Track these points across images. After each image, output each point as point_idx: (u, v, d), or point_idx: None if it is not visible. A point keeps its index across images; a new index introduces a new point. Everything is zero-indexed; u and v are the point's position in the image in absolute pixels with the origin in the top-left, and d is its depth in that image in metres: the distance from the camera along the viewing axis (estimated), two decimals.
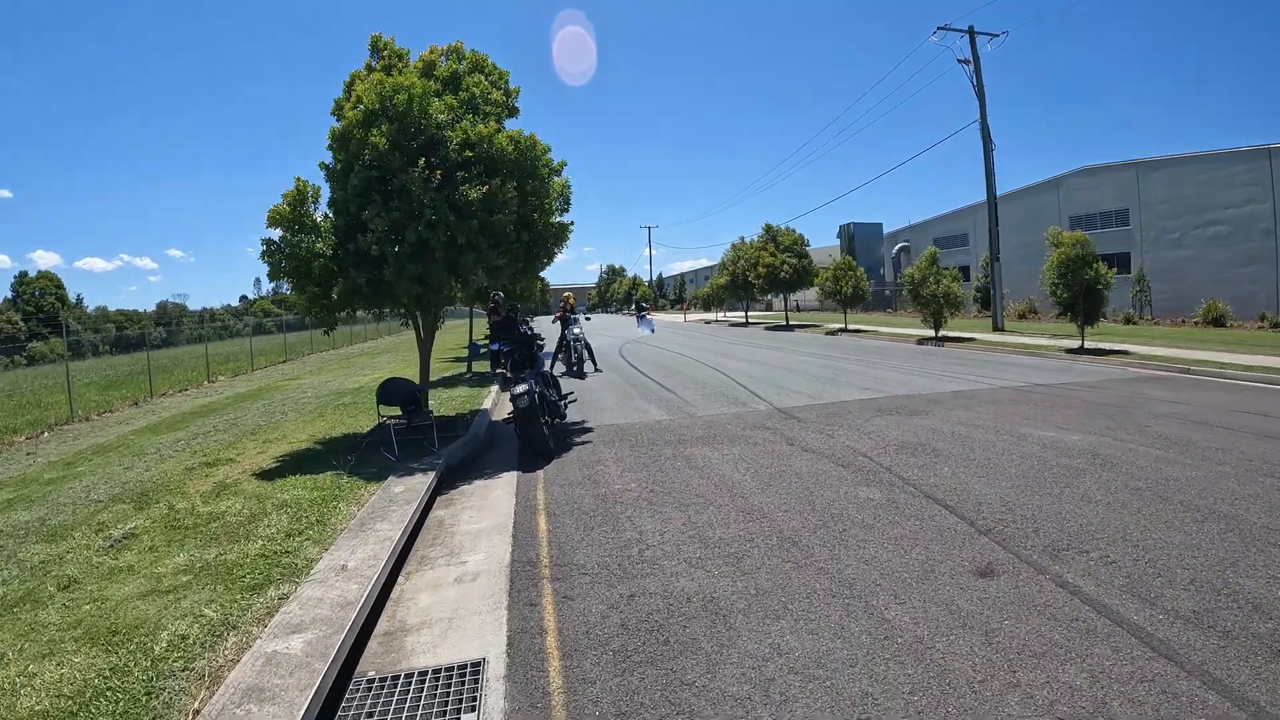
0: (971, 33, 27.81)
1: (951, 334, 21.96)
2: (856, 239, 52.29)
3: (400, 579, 4.62)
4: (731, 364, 15.97)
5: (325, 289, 8.02)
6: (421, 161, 7.30)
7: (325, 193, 8.21)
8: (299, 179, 8.01)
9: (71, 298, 62.24)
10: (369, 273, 7.55)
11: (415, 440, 8.05)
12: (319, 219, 8.05)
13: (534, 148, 7.85)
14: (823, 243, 50.18)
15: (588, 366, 15.65)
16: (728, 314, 50.70)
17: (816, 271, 32.17)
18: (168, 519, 6.09)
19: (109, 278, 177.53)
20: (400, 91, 7.43)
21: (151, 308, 77.83)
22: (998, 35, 28.31)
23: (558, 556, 4.54)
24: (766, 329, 32.68)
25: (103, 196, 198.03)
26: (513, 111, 8.80)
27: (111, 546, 5.57)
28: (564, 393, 8.86)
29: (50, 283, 57.01)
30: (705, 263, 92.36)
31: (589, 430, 8.76)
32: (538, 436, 7.07)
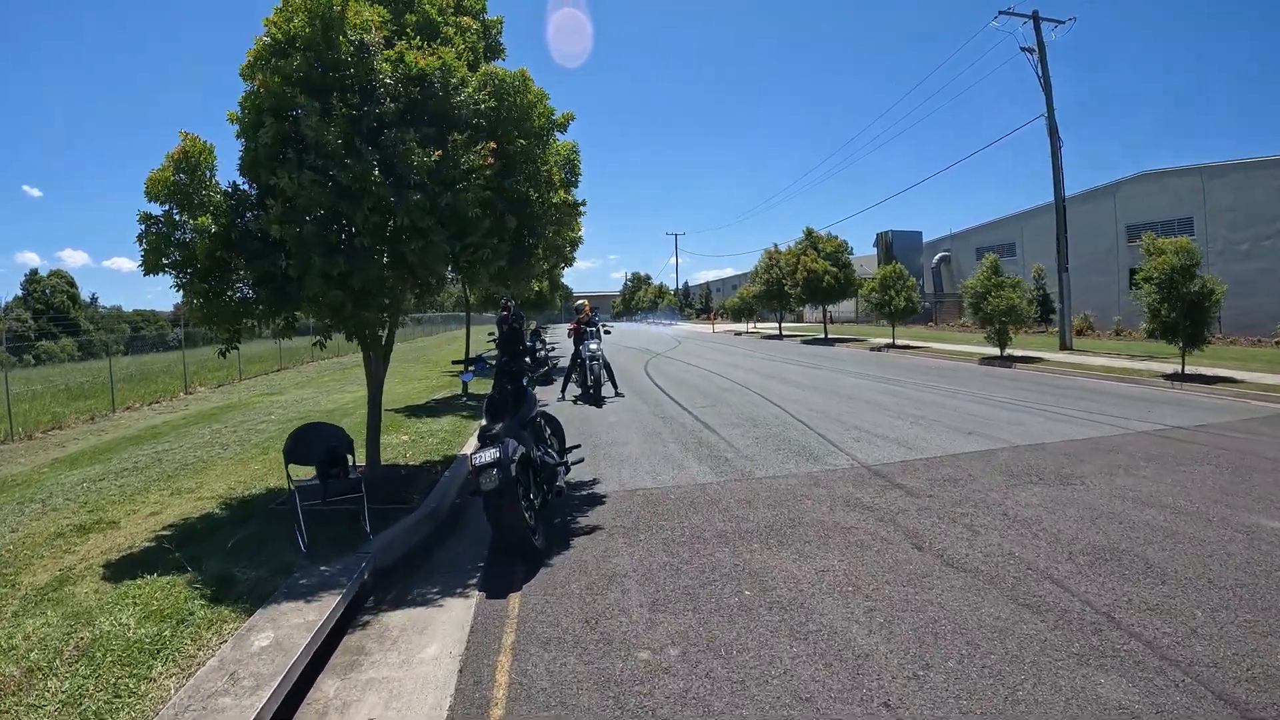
0: (1036, 18, 25.17)
1: (1017, 353, 19.25)
2: (894, 248, 49.12)
3: None
4: (780, 389, 13.24)
5: (219, 287, 5.56)
6: (359, 113, 4.80)
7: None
8: (186, 134, 5.53)
9: (86, 296, 61.02)
10: (264, 265, 5.05)
11: (348, 512, 5.49)
12: (220, 190, 5.60)
13: (523, 89, 5.27)
14: (856, 252, 47.10)
15: (606, 390, 13.06)
16: (758, 325, 47.80)
17: (860, 281, 29.39)
18: None
19: (135, 277, 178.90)
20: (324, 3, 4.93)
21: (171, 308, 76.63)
22: (1063, 22, 25.76)
23: None
24: (804, 343, 29.88)
25: (131, 196, 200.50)
26: (495, 50, 6.25)
27: None
28: (566, 445, 6.24)
29: (62, 280, 55.76)
30: (730, 272, 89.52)
31: (600, 500, 6.11)
32: (514, 531, 4.45)
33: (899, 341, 25.54)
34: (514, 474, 4.28)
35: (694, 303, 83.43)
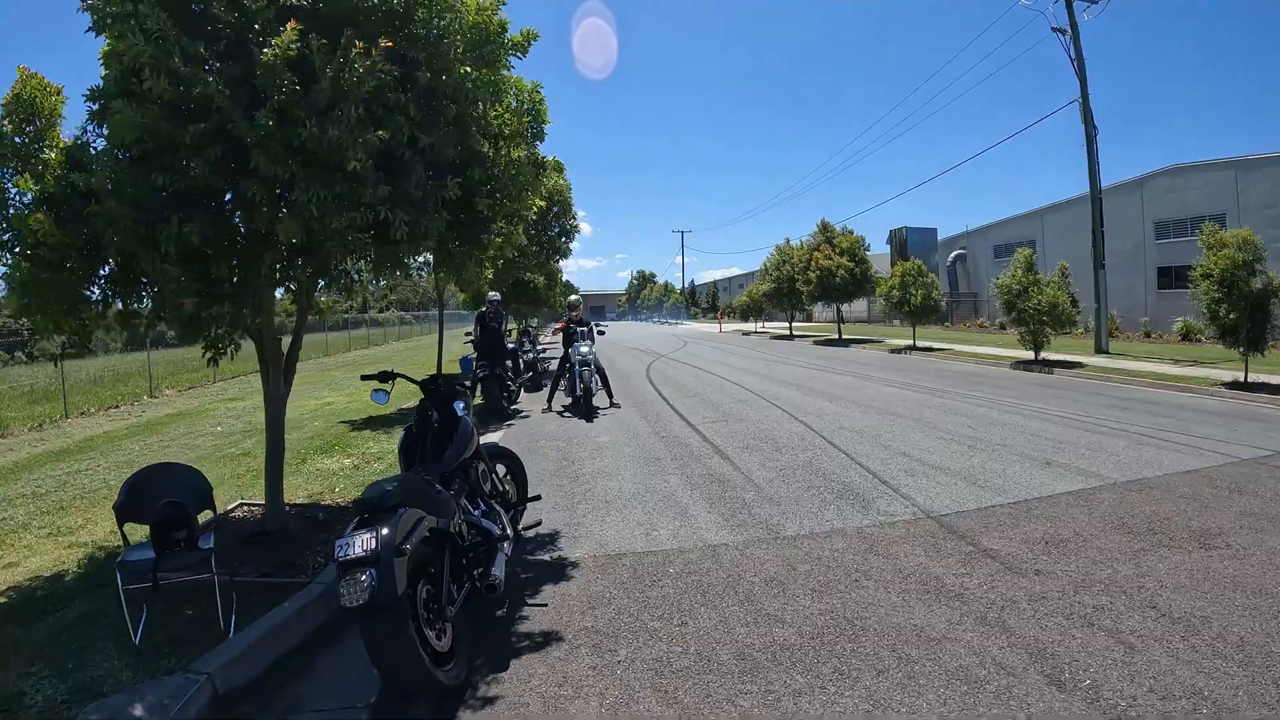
0: None
1: (1051, 356, 17.58)
2: (908, 245, 47.19)
3: None
4: (801, 400, 11.52)
5: (69, 279, 3.95)
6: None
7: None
8: (24, 70, 3.95)
9: None
10: (86, 237, 3.44)
11: (201, 585, 3.84)
12: (61, 144, 3.99)
13: None
14: (870, 250, 45.15)
15: (599, 401, 11.41)
16: (766, 324, 45.99)
17: (877, 279, 27.67)
18: None
19: None
20: None
21: None
22: (1096, 0, 23.93)
23: None
24: (817, 344, 28.12)
25: None
26: None
27: None
28: (527, 494, 4.54)
29: None
30: (736, 271, 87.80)
31: (566, 572, 4.38)
32: (404, 667, 2.69)
33: (920, 343, 23.82)
34: (399, 578, 2.56)
35: (700, 301, 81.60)
